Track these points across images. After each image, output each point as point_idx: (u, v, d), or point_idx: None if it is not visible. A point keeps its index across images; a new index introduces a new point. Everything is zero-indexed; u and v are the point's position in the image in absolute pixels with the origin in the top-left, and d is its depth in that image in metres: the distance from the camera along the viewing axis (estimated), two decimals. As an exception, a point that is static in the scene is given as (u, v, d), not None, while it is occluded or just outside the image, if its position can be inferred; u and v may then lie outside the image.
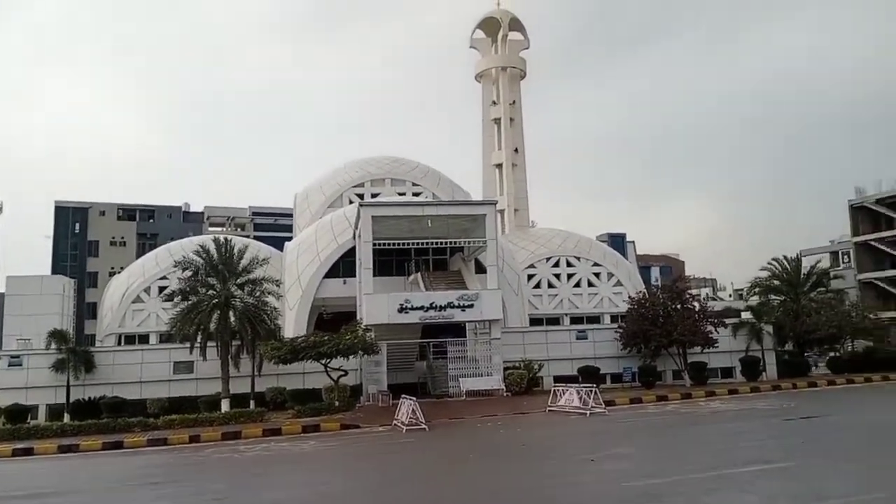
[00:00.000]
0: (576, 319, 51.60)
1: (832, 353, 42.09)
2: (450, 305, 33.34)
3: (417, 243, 38.24)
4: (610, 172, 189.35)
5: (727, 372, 39.18)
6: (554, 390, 28.10)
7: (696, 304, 37.49)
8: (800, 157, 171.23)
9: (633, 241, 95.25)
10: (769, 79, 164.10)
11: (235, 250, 34.94)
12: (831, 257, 72.77)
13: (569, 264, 54.30)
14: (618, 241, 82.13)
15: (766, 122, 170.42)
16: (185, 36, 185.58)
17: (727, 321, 39.13)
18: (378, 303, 33.20)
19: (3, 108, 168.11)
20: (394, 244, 36.78)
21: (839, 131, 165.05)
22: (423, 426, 23.04)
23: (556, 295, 53.28)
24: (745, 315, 41.88)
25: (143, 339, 44.09)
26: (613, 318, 52.04)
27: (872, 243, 63.96)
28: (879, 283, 63.02)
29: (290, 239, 65.35)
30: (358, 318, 36.90)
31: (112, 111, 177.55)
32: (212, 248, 34.33)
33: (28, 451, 23.45)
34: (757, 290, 41.95)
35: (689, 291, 37.88)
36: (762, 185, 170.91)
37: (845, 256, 71.45)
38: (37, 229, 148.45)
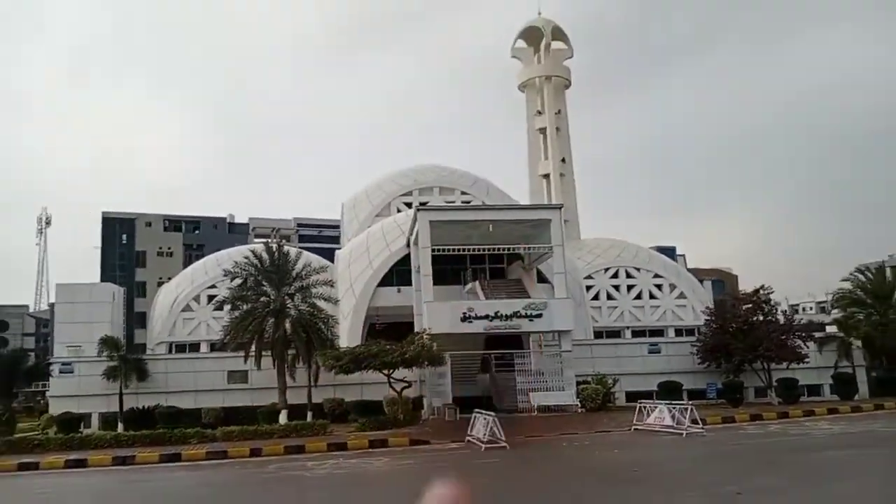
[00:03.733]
0: (637, 332, 49.14)
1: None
2: (516, 315, 31.26)
3: (475, 250, 36.28)
4: (655, 184, 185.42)
5: (814, 390, 36.35)
6: (640, 407, 25.77)
7: (780, 316, 34.84)
8: (854, 168, 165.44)
9: (684, 255, 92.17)
10: (822, 87, 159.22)
11: (289, 257, 33.53)
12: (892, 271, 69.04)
13: (628, 275, 51.91)
14: (668, 255, 79.25)
15: (818, 134, 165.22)
16: (226, 51, 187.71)
17: (815, 335, 36.28)
18: (440, 311, 31.31)
19: (51, 124, 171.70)
20: (450, 250, 34.75)
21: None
22: (504, 444, 21.00)
23: (617, 307, 50.91)
24: (830, 329, 38.96)
25: (194, 347, 42.98)
26: (678, 332, 49.51)
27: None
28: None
29: (335, 250, 64.18)
30: (416, 327, 35.15)
31: (155, 125, 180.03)
32: (264, 254, 32.93)
33: (81, 463, 21.97)
34: (843, 302, 38.97)
35: (771, 303, 35.15)
36: (815, 199, 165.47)
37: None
38: (85, 241, 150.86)
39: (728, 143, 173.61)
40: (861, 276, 40.82)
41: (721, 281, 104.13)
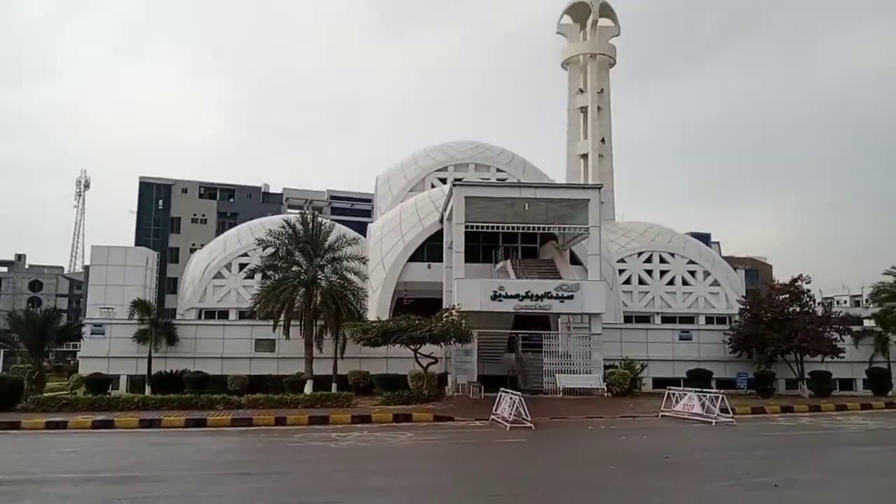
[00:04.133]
0: (667, 319, 48.48)
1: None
2: (547, 295, 30.86)
3: (509, 228, 35.83)
4: (692, 170, 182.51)
5: (846, 384, 35.47)
6: (668, 394, 25.35)
7: (818, 308, 33.91)
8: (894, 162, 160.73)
9: (718, 242, 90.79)
10: (868, 77, 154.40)
11: (322, 228, 33.48)
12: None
13: (662, 260, 51.13)
14: (702, 241, 77.80)
15: (861, 126, 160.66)
16: (267, 25, 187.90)
17: (853, 329, 35.29)
18: (470, 289, 31.02)
19: (95, 91, 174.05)
20: (482, 227, 34.30)
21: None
22: (529, 424, 20.76)
23: (648, 292, 50.21)
24: (867, 323, 37.87)
25: (223, 314, 43.35)
26: (709, 320, 48.74)
27: None
28: None
29: (366, 224, 64.10)
30: (445, 304, 34.96)
31: (196, 96, 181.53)
32: (298, 224, 32.90)
33: (108, 424, 22.24)
34: (883, 296, 37.80)
35: (809, 294, 34.20)
36: (854, 192, 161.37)
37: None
38: (122, 205, 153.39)
39: (769, 131, 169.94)
40: (904, 270, 39.47)
41: (755, 270, 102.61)
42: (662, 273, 50.75)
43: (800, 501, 10.67)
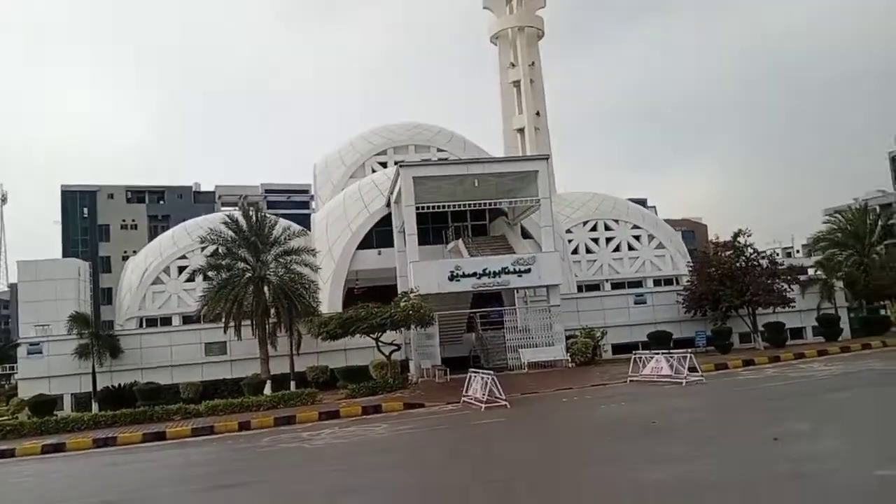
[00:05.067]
0: (617, 285, 48.96)
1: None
2: (504, 271, 30.50)
3: (459, 206, 35.21)
4: (620, 139, 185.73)
5: (796, 333, 36.32)
6: (634, 358, 25.35)
7: (763, 261, 34.59)
8: (814, 114, 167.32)
9: (654, 206, 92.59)
10: (784, 34, 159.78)
11: (266, 222, 32.20)
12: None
13: (607, 228, 51.57)
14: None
15: (779, 81, 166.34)
16: (186, 18, 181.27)
17: (800, 278, 36.18)
18: (426, 271, 30.40)
19: (2, 100, 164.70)
20: (432, 207, 33.57)
21: (850, 88, 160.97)
22: (504, 403, 20.34)
23: (596, 260, 50.59)
24: (811, 272, 38.97)
25: (165, 321, 41.50)
26: (656, 282, 49.43)
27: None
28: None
29: (305, 216, 62.41)
30: (400, 289, 34.26)
31: (113, 97, 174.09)
32: (241, 219, 31.55)
33: (59, 448, 20.79)
34: (822, 244, 38.90)
35: (752, 247, 34.84)
36: (773, 146, 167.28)
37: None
38: (44, 216, 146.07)
39: (690, 93, 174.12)
40: (841, 218, 40.78)
41: (691, 231, 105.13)
42: (608, 240, 51.20)
43: (810, 453, 10.45)
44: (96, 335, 31.70)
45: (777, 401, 16.77)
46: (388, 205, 37.51)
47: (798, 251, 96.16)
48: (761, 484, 8.85)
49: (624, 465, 10.78)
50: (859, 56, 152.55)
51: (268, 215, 33.57)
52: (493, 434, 16.06)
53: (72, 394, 32.28)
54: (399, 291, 33.97)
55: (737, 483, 9.06)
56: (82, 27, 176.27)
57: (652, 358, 24.37)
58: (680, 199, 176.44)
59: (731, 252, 34.81)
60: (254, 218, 31.37)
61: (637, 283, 48.89)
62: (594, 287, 48.34)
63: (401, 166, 32.33)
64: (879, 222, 41.39)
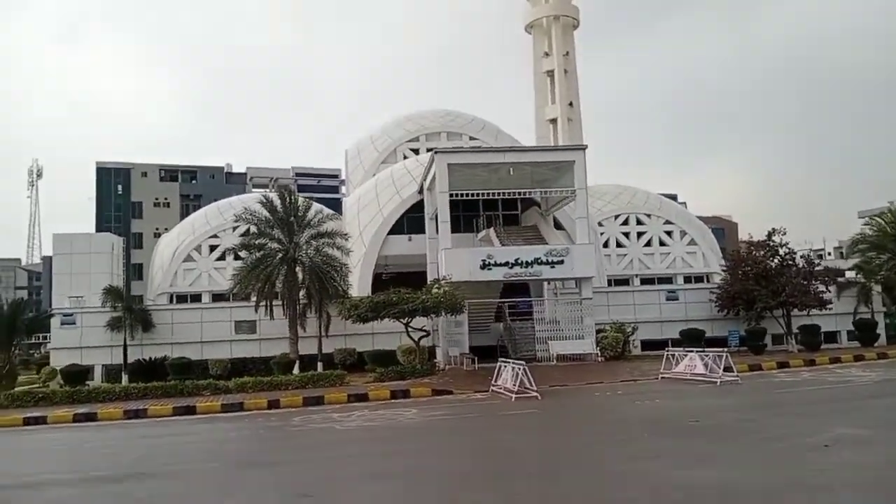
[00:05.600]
0: (646, 280, 48.42)
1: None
2: (537, 262, 30.22)
3: (493, 194, 34.95)
4: (655, 130, 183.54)
5: (831, 336, 35.55)
6: (667, 355, 24.97)
7: (799, 261, 33.87)
8: (851, 115, 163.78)
9: (685, 203, 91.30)
10: (825, 32, 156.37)
11: (300, 204, 32.26)
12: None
13: (639, 222, 50.97)
14: (671, 202, 78.23)
15: (817, 82, 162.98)
16: (211, 3, 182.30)
17: (838, 280, 35.40)
18: (458, 258, 30.22)
19: (43, 76, 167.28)
20: (463, 195, 33.30)
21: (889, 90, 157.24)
22: (535, 394, 20.14)
23: (626, 255, 50.07)
24: (850, 274, 38.09)
25: (196, 298, 41.91)
26: (687, 279, 48.81)
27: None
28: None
29: (335, 200, 62.38)
30: (429, 276, 34.20)
31: (149, 74, 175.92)
32: (276, 199, 31.61)
33: (91, 417, 21.06)
34: (863, 246, 37.98)
35: (787, 247, 34.10)
36: (812, 147, 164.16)
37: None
38: (79, 193, 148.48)
39: (729, 88, 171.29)
40: (882, 220, 39.75)
41: (721, 228, 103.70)
42: (639, 235, 50.61)
43: (864, 461, 10.12)
44: (129, 308, 32.08)
45: (817, 405, 16.33)
46: (421, 191, 37.36)
47: (830, 254, 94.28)
48: (823, 490, 8.55)
49: (670, 462, 10.53)
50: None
51: (299, 198, 33.62)
52: (528, 425, 15.87)
53: (102, 365, 32.75)
54: (428, 278, 33.93)
55: (797, 487, 8.76)
56: (119, 5, 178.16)
57: (685, 356, 23.97)
58: (710, 195, 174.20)
59: (766, 251, 34.13)
60: (288, 199, 31.43)
61: (667, 280, 48.32)
62: (624, 282, 47.86)
63: (436, 152, 32.12)
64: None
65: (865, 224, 38.50)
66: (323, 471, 11.69)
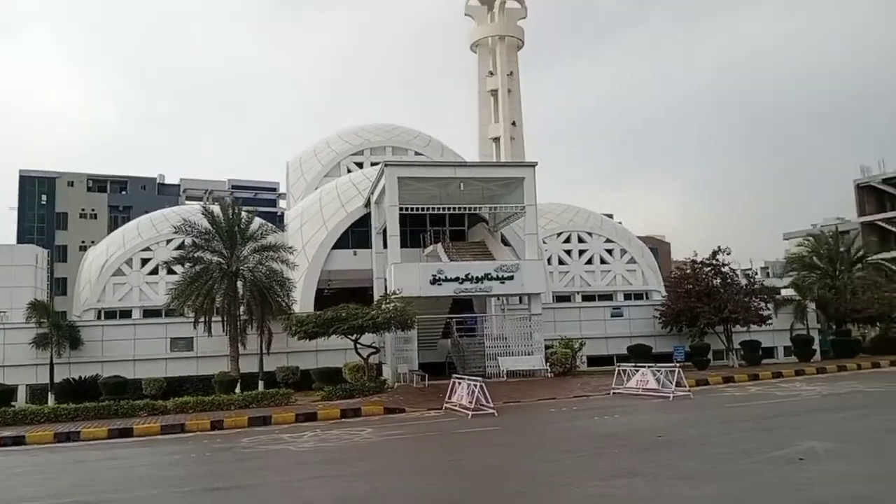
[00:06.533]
0: (587, 297, 48.91)
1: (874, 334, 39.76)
2: (487, 277, 29.93)
3: (443, 209, 34.58)
4: (588, 151, 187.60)
5: (768, 352, 36.42)
6: (618, 370, 25.01)
7: (742, 279, 34.77)
8: (781, 139, 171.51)
9: (621, 222, 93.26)
10: (756, 56, 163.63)
11: (242, 216, 31.16)
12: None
13: (580, 240, 51.53)
14: (607, 222, 79.68)
15: (750, 106, 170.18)
16: (157, 10, 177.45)
17: (776, 298, 36.45)
18: (408, 273, 29.67)
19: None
20: (412, 209, 32.69)
21: (820, 115, 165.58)
22: (492, 411, 19.75)
23: (568, 272, 50.46)
24: (785, 292, 39.35)
25: (126, 314, 39.86)
26: (627, 296, 49.51)
27: (879, 223, 62.56)
28: (885, 263, 61.69)
29: (272, 214, 61.04)
30: (376, 291, 33.65)
31: (78, 84, 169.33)
32: (217, 211, 30.46)
33: (18, 441, 19.44)
34: (796, 265, 39.35)
35: (730, 266, 35.02)
36: (737, 169, 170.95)
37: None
38: (2, 203, 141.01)
39: (658, 113, 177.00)
40: (814, 241, 41.32)
41: (654, 248, 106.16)
42: (581, 252, 51.16)
43: (846, 473, 10.07)
44: (56, 325, 30.17)
45: (773, 419, 16.47)
46: (368, 204, 36.75)
47: (757, 273, 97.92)
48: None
49: (651, 480, 10.24)
50: (833, 80, 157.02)
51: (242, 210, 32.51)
52: (491, 442, 15.43)
53: (27, 385, 30.65)
54: (375, 294, 33.30)
55: (795, 501, 8.58)
56: (53, 12, 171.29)
57: (637, 371, 24.05)
58: (642, 216, 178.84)
59: (710, 269, 34.89)
60: (231, 211, 30.32)
61: (608, 297, 48.87)
62: (566, 298, 48.16)
63: (386, 165, 31.60)
64: (852, 248, 42.05)
65: (798, 245, 39.97)
66: (285, 496, 10.94)
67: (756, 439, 13.33)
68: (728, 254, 35.00)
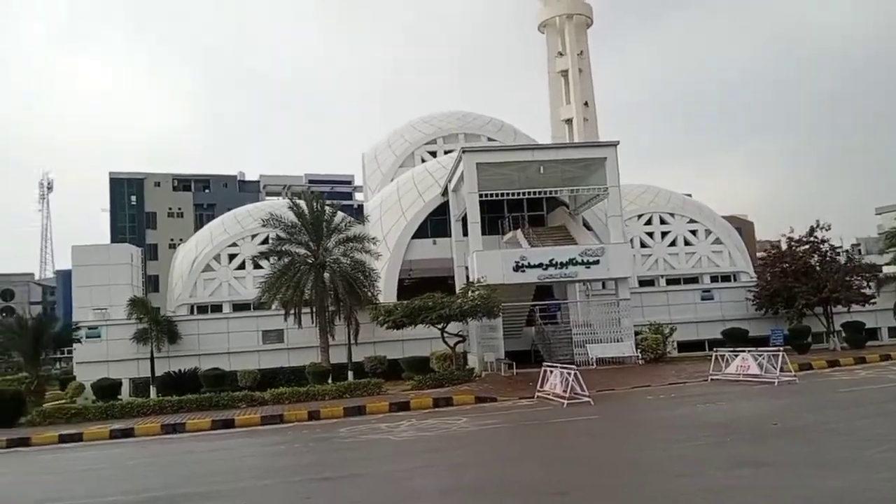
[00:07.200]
0: (672, 281, 47.41)
1: None
2: (571, 262, 29.41)
3: (521, 194, 34.08)
4: (666, 129, 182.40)
5: (871, 333, 34.50)
6: (716, 356, 24.13)
7: (840, 256, 33.00)
8: (858, 114, 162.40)
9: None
10: (835, 24, 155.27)
11: (326, 209, 31.64)
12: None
13: (662, 221, 49.87)
14: (684, 202, 77.24)
15: (833, 78, 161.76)
16: (232, 7, 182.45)
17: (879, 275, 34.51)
18: (491, 260, 29.47)
19: (50, 86, 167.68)
20: (490, 195, 32.32)
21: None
22: (588, 400, 19.35)
23: (651, 255, 49.03)
24: (887, 269, 37.17)
25: (216, 308, 41.12)
26: (713, 278, 47.79)
27: None
28: None
29: (348, 207, 61.80)
30: (457, 280, 33.56)
31: (160, 84, 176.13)
32: (302, 205, 31.00)
33: (127, 433, 20.38)
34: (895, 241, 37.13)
35: (829, 243, 33.26)
36: (823, 144, 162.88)
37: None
38: (91, 204, 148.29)
39: (739, 86, 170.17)
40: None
41: (738, 227, 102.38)
42: (664, 234, 49.65)
43: None
44: (155, 320, 31.46)
45: (890, 404, 15.53)
46: (445, 193, 36.68)
47: (847, 251, 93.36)
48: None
49: (778, 470, 9.72)
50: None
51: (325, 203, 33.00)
52: (592, 432, 15.11)
53: (129, 378, 32.11)
54: (456, 282, 33.20)
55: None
56: (131, 12, 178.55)
57: (736, 356, 23.13)
58: (724, 195, 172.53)
59: (807, 247, 33.27)
60: (316, 204, 30.80)
61: (693, 279, 47.36)
62: (649, 282, 46.87)
63: (464, 151, 31.38)
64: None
65: (897, 218, 37.69)
66: (392, 485, 10.93)
67: (880, 425, 12.55)
68: (827, 230, 33.30)
